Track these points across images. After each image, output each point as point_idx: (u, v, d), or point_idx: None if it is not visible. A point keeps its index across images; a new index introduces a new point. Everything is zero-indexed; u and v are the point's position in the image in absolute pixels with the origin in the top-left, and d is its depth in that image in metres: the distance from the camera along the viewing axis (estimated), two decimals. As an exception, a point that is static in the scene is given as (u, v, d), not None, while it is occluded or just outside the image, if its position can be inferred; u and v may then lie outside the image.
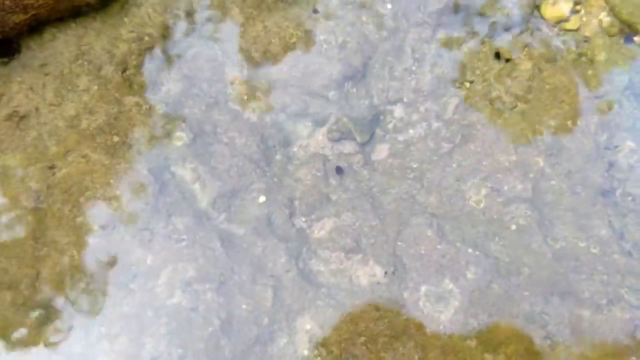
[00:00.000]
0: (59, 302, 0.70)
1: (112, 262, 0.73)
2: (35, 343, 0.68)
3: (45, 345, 0.68)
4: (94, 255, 0.73)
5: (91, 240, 0.74)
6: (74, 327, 0.69)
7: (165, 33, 0.89)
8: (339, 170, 0.88)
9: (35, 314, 0.68)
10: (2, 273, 0.71)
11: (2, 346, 0.68)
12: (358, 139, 0.91)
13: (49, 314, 0.69)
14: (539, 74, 0.93)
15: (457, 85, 0.93)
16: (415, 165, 0.87)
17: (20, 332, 0.68)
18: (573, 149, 0.86)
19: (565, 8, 1.00)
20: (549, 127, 0.88)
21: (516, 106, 0.90)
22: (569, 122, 0.89)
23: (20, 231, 0.74)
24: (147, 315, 0.69)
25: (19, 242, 0.73)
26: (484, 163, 0.84)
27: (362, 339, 0.70)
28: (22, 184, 0.76)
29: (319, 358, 0.69)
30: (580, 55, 0.96)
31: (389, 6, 0.96)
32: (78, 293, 0.70)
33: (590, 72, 0.94)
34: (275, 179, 0.84)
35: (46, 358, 0.67)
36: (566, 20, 1.00)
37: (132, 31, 0.87)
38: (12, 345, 0.68)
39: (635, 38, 0.97)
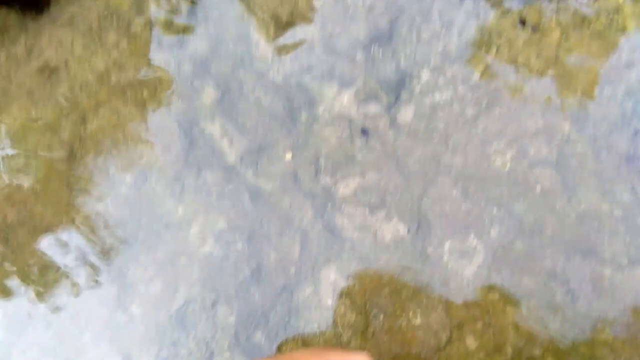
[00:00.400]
0: (96, 247, 0.76)
1: (145, 212, 0.79)
2: (72, 285, 0.74)
3: (83, 288, 0.74)
4: (127, 204, 0.79)
5: (124, 190, 0.80)
6: (111, 271, 0.75)
7: (193, -10, 0.93)
8: (364, 131, 0.94)
9: (72, 256, 0.75)
10: (40, 218, 0.77)
11: (41, 289, 0.74)
12: (384, 101, 0.96)
13: (85, 259, 0.75)
14: (566, 41, 0.98)
15: (485, 50, 0.97)
16: (440, 128, 0.92)
17: (59, 274, 0.74)
18: (599, 116, 0.91)
19: (596, -25, 1.04)
20: (576, 94, 0.93)
21: (543, 72, 0.95)
22: (596, 90, 0.93)
23: (55, 180, 0.80)
24: (181, 262, 0.75)
25: (54, 191, 0.79)
26: (510, 127, 0.89)
27: (387, 290, 0.75)
28: (55, 135, 0.82)
29: (342, 307, 0.74)
30: (609, 23, 1.00)
31: (417, -31, 1.01)
32: (113, 240, 0.77)
33: (619, 40, 0.98)
34: (301, 138, 0.90)
35: (84, 300, 0.74)
36: (597, -13, 1.04)
37: (160, -13, 0.92)
38: (50, 287, 0.74)
39: (667, 6, 1.01)
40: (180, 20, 0.90)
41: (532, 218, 0.79)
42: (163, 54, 0.86)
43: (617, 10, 1.01)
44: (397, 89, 0.97)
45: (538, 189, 0.85)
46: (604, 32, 1.00)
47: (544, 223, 0.78)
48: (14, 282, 0.73)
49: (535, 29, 1.00)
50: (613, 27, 1.00)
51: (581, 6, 1.02)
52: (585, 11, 1.02)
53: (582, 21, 1.01)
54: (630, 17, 1.00)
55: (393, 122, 0.95)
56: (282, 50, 0.94)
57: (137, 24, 0.88)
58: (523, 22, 0.98)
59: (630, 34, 1.00)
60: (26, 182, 0.74)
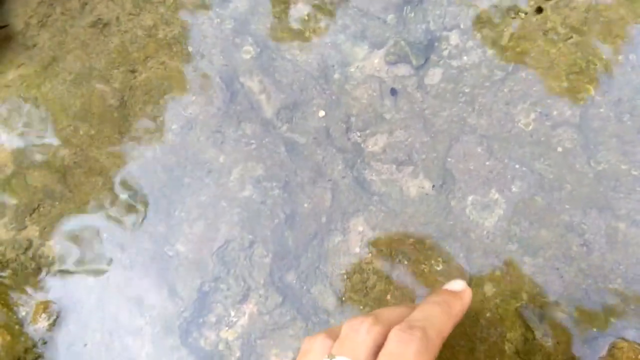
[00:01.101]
0: (145, 189, 0.81)
1: (189, 159, 0.83)
2: (123, 224, 0.79)
3: (134, 227, 0.79)
4: (173, 151, 0.83)
5: (170, 137, 0.84)
6: (158, 211, 0.79)
7: (235, -49, 0.95)
8: (393, 92, 0.96)
9: (124, 196, 0.79)
10: (94, 161, 0.82)
11: (95, 225, 0.79)
12: (413, 63, 0.97)
13: (137, 198, 0.80)
14: (595, 6, 0.97)
15: (513, 15, 0.97)
16: (467, 90, 0.93)
17: (113, 211, 0.79)
18: (623, 81, 0.91)
19: (628, -58, 1.02)
20: (601, 59, 0.93)
21: (570, 37, 0.95)
22: (622, 56, 0.93)
23: (108, 126, 0.84)
24: (222, 205, 0.80)
25: (107, 135, 0.83)
26: (535, 89, 0.90)
27: (411, 240, 0.79)
28: (107, 84, 0.86)
29: (369, 255, 0.78)
30: (639, -11, 0.99)
31: None
32: (161, 183, 0.81)
33: (647, 6, 0.97)
34: (333, 96, 0.92)
35: (135, 237, 0.78)
36: (628, -46, 1.02)
37: (204, -53, 0.93)
38: (103, 224, 0.79)
39: (697, -25, 0.99)
40: (222, -20, 0.92)
41: (552, 176, 0.81)
42: (206, 12, 0.89)
43: (648, -23, 1.00)
44: (427, 51, 0.98)
45: (559, 148, 0.86)
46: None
47: (564, 180, 0.80)
48: (70, 219, 0.78)
49: (540, 10, 0.99)
50: (642, -5, 0.99)
51: (611, -27, 1.01)
52: (615, -22, 1.01)
53: (612, -12, 1.00)
54: (660, -15, 0.99)
55: (421, 84, 0.97)
56: (318, 9, 0.96)
57: (182, -18, 0.90)
58: (539, 10, 0.97)
59: (659, 1, 0.98)
60: (82, 127, 0.78)
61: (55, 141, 0.80)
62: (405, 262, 0.73)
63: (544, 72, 0.93)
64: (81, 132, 0.79)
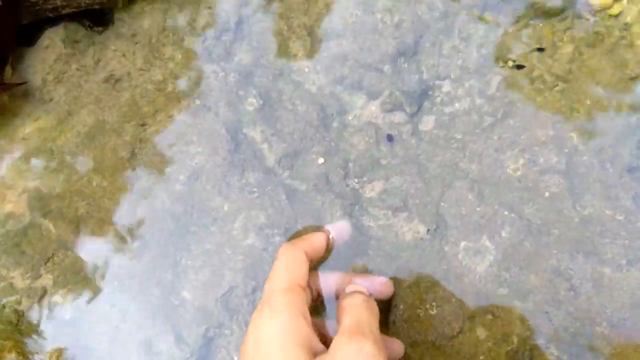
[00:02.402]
0: (154, 237, 0.82)
1: (195, 207, 0.84)
2: (132, 271, 0.80)
3: (143, 274, 0.80)
4: (180, 200, 0.84)
5: (178, 187, 0.85)
6: (166, 258, 0.81)
7: (239, 9, 0.98)
8: (389, 138, 0.97)
9: (134, 244, 0.80)
10: (106, 211, 0.83)
11: (107, 273, 0.80)
12: (408, 110, 0.99)
13: (146, 246, 0.81)
14: (579, 56, 0.99)
15: (501, 64, 0.99)
16: (459, 136, 0.95)
17: (124, 259, 0.80)
18: (606, 128, 0.93)
19: (609, -5, 1.05)
20: (585, 106, 0.95)
21: (556, 85, 0.97)
22: (604, 103, 0.95)
23: (119, 177, 0.85)
24: (226, 252, 0.81)
25: (119, 186, 0.85)
26: (523, 137, 0.92)
27: (407, 283, 0.79)
28: (119, 137, 0.88)
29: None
30: (620, 39, 1.01)
31: (441, -12, 1.03)
32: (168, 231, 0.82)
33: (628, 56, 0.99)
34: (332, 143, 0.93)
35: (143, 284, 0.79)
36: (610, 6, 1.05)
37: (209, 6, 0.96)
38: (120, 267, 0.80)
39: (674, 25, 1.01)
40: (228, 35, 0.95)
41: (540, 221, 0.82)
42: (212, 66, 0.91)
43: (626, 27, 1.02)
44: (420, 99, 1.00)
45: (547, 194, 0.87)
46: (614, 49, 1.01)
47: (551, 225, 0.81)
48: (83, 268, 0.79)
49: (550, 45, 1.01)
50: (622, 44, 1.01)
51: (593, 24, 1.03)
52: (597, 29, 1.03)
53: (593, 39, 1.02)
54: (638, 34, 1.01)
55: (415, 130, 0.99)
56: (317, 62, 0.98)
57: (190, 39, 0.92)
58: (540, 49, 0.99)
59: (637, 49, 1.00)
60: (95, 178, 0.79)
61: (69, 192, 0.82)
62: (401, 307, 0.74)
63: (531, 120, 0.95)
64: (94, 184, 0.81)
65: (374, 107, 0.99)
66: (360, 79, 0.98)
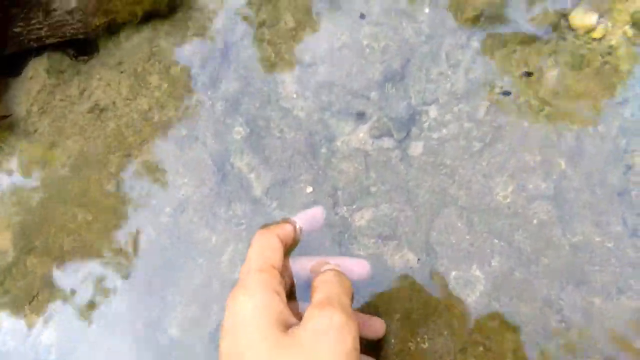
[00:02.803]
0: (140, 273, 0.80)
1: (182, 241, 0.82)
2: (118, 308, 0.78)
3: (129, 311, 0.78)
4: (167, 233, 0.82)
5: (164, 220, 0.83)
6: (153, 295, 0.79)
7: (225, 36, 0.96)
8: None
9: (119, 281, 0.78)
10: (91, 247, 0.81)
11: (93, 306, 0.78)
12: (395, 136, 0.98)
13: (132, 282, 0.79)
14: (564, 80, 0.99)
15: (488, 89, 0.99)
16: (447, 162, 0.94)
17: (110, 296, 0.78)
18: (594, 152, 0.92)
19: (593, 18, 1.04)
20: (573, 131, 0.94)
21: (542, 110, 0.96)
22: (591, 127, 0.94)
23: (104, 210, 0.83)
24: (214, 286, 0.79)
25: (104, 220, 0.83)
26: (511, 162, 0.91)
27: (397, 315, 0.78)
28: (104, 169, 0.86)
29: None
30: (604, 63, 1.01)
31: (427, 10, 1.02)
32: (155, 266, 0.80)
33: (613, 80, 0.99)
34: (320, 171, 0.92)
35: (130, 322, 0.77)
36: (593, 29, 1.05)
37: (195, 34, 0.95)
38: (106, 304, 0.78)
39: (658, 48, 1.01)
40: (214, 62, 0.93)
41: (530, 249, 0.81)
42: (199, 95, 0.90)
43: (611, 51, 1.02)
44: (408, 125, 0.99)
45: (535, 221, 0.86)
46: (599, 72, 1.01)
47: (541, 254, 0.80)
48: (68, 306, 0.77)
49: (536, 70, 1.01)
50: (607, 67, 1.01)
51: (577, 47, 1.03)
52: (581, 52, 1.03)
53: (578, 61, 1.02)
54: (623, 58, 1.01)
55: (404, 156, 0.97)
56: (305, 88, 0.97)
57: (176, 67, 0.91)
58: (528, 74, 0.99)
59: (623, 73, 1.00)
60: (79, 212, 0.77)
61: (53, 227, 0.80)
62: (392, 340, 0.72)
63: (519, 145, 0.94)
64: (79, 218, 0.79)
65: (362, 133, 0.98)
66: (348, 105, 0.97)
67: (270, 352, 0.39)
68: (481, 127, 0.98)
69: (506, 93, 1.00)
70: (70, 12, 0.88)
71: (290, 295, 0.51)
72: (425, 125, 1.00)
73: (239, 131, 0.91)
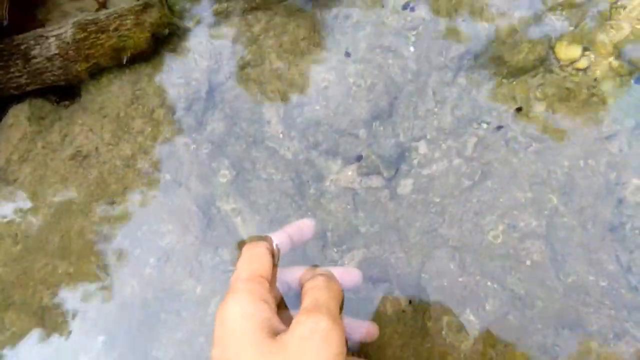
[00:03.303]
0: (122, 329, 0.77)
1: (166, 292, 0.79)
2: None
3: (111, 367, 0.75)
4: (150, 285, 0.80)
5: (147, 271, 0.81)
6: (135, 352, 0.75)
7: (210, 77, 0.95)
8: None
9: (101, 338, 0.75)
10: (72, 301, 0.78)
11: (72, 366, 0.75)
12: (385, 175, 0.96)
13: (113, 340, 0.76)
14: (552, 115, 0.98)
15: (476, 125, 0.97)
16: (437, 200, 0.92)
17: (92, 356, 0.75)
18: (584, 187, 0.90)
19: (577, 50, 1.04)
20: (562, 166, 0.92)
21: (531, 146, 0.95)
22: (581, 162, 0.93)
23: (86, 262, 0.81)
24: (199, 341, 0.76)
25: (86, 273, 0.80)
26: (501, 200, 0.89)
27: (390, 363, 0.75)
28: (86, 218, 0.83)
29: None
30: (591, 96, 1.00)
31: (412, 49, 1.01)
32: (137, 321, 0.77)
33: (601, 112, 0.98)
34: (309, 212, 0.90)
35: (111, 378, 0.74)
36: (578, 61, 1.04)
37: (180, 77, 0.93)
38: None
39: (644, 80, 1.00)
40: (199, 104, 0.91)
41: (524, 291, 0.78)
42: (183, 138, 0.88)
43: (598, 84, 1.01)
44: (397, 162, 0.97)
45: (528, 262, 0.84)
46: (586, 105, 1.00)
47: (535, 297, 0.78)
48: None
49: (524, 104, 1.00)
50: (594, 100, 1.00)
51: (564, 80, 1.02)
52: (568, 85, 1.02)
53: (565, 94, 1.01)
54: (609, 90, 1.00)
55: (394, 194, 0.95)
56: (291, 128, 0.95)
57: (160, 111, 0.89)
58: (517, 109, 0.98)
59: (611, 106, 0.99)
60: (60, 265, 0.75)
61: (33, 281, 0.77)
62: (385, 392, 0.69)
63: (508, 182, 0.92)
64: (60, 271, 0.76)
65: (350, 172, 0.96)
66: (335, 144, 0.95)
67: (258, 358, 0.39)
68: (470, 164, 0.96)
69: (499, 127, 0.98)
70: (50, 59, 0.86)
71: (282, 305, 0.52)
72: (415, 161, 0.98)
73: (225, 174, 0.89)
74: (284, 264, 0.56)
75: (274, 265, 0.52)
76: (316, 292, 0.46)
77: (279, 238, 0.54)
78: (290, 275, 0.54)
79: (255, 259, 0.49)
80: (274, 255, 0.52)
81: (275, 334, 0.42)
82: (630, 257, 0.86)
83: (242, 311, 0.42)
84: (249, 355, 0.39)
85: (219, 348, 0.42)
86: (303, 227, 0.57)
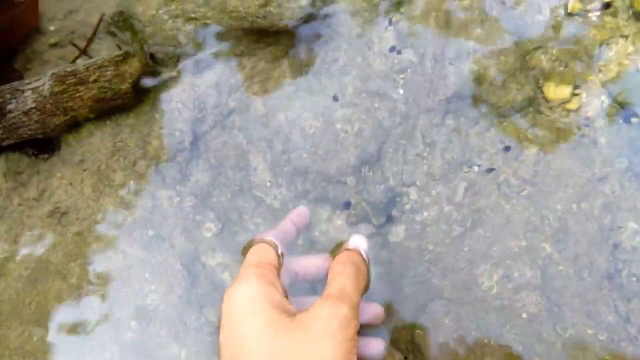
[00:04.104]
0: (102, 400, 0.73)
1: (149, 357, 0.75)
2: None
3: None
4: (131, 350, 0.75)
5: (129, 335, 0.77)
6: None
7: (194, 126, 0.92)
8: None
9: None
10: (48, 372, 0.74)
11: None
12: (375, 222, 0.93)
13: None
14: (543, 157, 0.96)
15: (466, 169, 0.95)
16: (430, 247, 0.89)
17: None
18: (578, 233, 0.88)
19: (567, 89, 1.03)
20: (555, 211, 0.90)
21: (523, 190, 0.93)
22: (574, 206, 0.91)
23: (64, 328, 0.76)
24: (184, 412, 0.72)
25: (62, 340, 0.75)
26: (494, 248, 0.86)
27: None
28: (64, 280, 0.79)
29: None
30: (582, 136, 0.98)
31: (401, 91, 1.00)
32: (119, 390, 0.73)
33: (592, 154, 0.96)
34: (298, 264, 0.86)
35: None
36: (568, 101, 1.02)
37: (162, 127, 0.90)
38: None
39: (633, 119, 0.99)
40: (183, 155, 0.89)
41: (521, 347, 0.76)
42: (167, 191, 0.84)
43: (589, 123, 0.99)
44: (388, 208, 0.95)
45: (524, 314, 0.81)
46: (578, 146, 0.98)
47: (533, 352, 0.75)
48: None
49: (514, 145, 0.98)
50: (586, 140, 0.99)
51: (554, 121, 1.01)
52: (558, 125, 1.00)
53: (556, 135, 0.99)
54: (601, 130, 0.99)
55: (385, 242, 0.93)
56: (278, 176, 0.92)
57: (143, 163, 0.86)
58: (507, 148, 0.96)
59: (602, 146, 0.98)
60: (36, 332, 0.70)
61: (7, 350, 0.72)
62: None
63: (501, 230, 0.90)
64: (35, 339, 0.72)
65: (340, 220, 0.93)
66: (324, 192, 0.92)
67: (275, 335, 0.41)
68: (461, 210, 0.94)
69: (489, 170, 0.96)
70: (27, 113, 0.83)
71: (287, 296, 0.52)
72: (407, 207, 0.95)
73: (210, 227, 0.86)
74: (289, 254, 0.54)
75: (279, 259, 0.52)
76: (344, 280, 0.48)
77: (284, 227, 0.55)
78: (296, 264, 0.55)
79: (262, 249, 0.50)
80: (279, 256, 0.53)
81: (287, 314, 0.43)
82: (629, 307, 0.84)
83: (253, 293, 0.43)
84: (264, 334, 0.41)
85: (228, 329, 0.43)
86: (302, 213, 0.58)
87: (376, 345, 0.55)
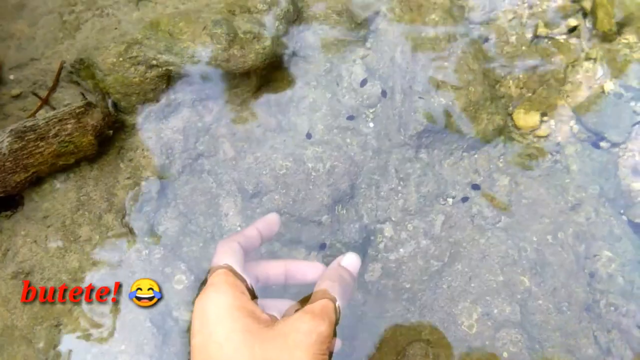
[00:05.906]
0: None
1: None
2: None
3: None
4: (102, 418, 0.72)
5: (99, 402, 0.73)
6: None
7: (161, 174, 0.89)
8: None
9: None
10: None
11: None
12: (351, 262, 0.90)
13: None
14: (516, 187, 0.95)
15: (442, 201, 0.94)
16: (407, 286, 0.87)
17: None
18: (555, 264, 0.87)
19: (536, 116, 1.02)
20: (532, 243, 0.89)
21: (498, 221, 0.91)
22: (549, 237, 0.90)
23: (29, 398, 0.73)
24: None
25: (29, 412, 0.72)
26: (473, 285, 0.85)
27: None
28: (30, 345, 0.75)
29: None
30: (555, 162, 0.98)
31: (371, 125, 0.98)
32: None
33: (565, 181, 0.96)
34: (274, 311, 0.83)
35: None
36: (538, 128, 1.02)
37: (128, 177, 0.87)
38: None
39: (602, 144, 0.98)
40: (150, 204, 0.86)
41: (503, 389, 0.73)
42: (135, 244, 0.81)
43: (560, 149, 0.99)
44: (363, 247, 0.92)
45: (505, 354, 0.79)
46: (550, 173, 0.97)
47: (515, 395, 0.72)
48: None
49: (477, 187, 0.97)
50: (558, 167, 0.98)
51: (526, 148, 1.00)
52: (529, 153, 0.99)
53: (528, 164, 0.98)
54: (573, 156, 0.98)
55: (361, 283, 0.90)
56: (250, 220, 0.90)
57: (109, 216, 0.83)
58: (475, 187, 0.95)
59: (574, 172, 0.97)
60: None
61: None
62: None
63: (478, 264, 0.88)
64: (-1, 413, 0.68)
65: (315, 261, 0.91)
66: (298, 234, 0.90)
67: (253, 341, 0.42)
68: (438, 244, 0.92)
69: (464, 199, 0.94)
70: (-15, 173, 0.79)
71: (253, 297, 0.52)
72: (381, 245, 0.93)
73: (181, 279, 0.83)
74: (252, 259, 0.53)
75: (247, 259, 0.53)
76: (328, 300, 0.48)
77: (249, 234, 0.55)
78: (258, 268, 0.55)
79: (229, 253, 0.50)
80: (253, 246, 0.54)
81: (260, 322, 0.44)
82: (609, 338, 0.82)
83: (227, 300, 0.44)
84: (242, 339, 0.42)
85: (205, 334, 0.43)
86: (270, 221, 0.58)
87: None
